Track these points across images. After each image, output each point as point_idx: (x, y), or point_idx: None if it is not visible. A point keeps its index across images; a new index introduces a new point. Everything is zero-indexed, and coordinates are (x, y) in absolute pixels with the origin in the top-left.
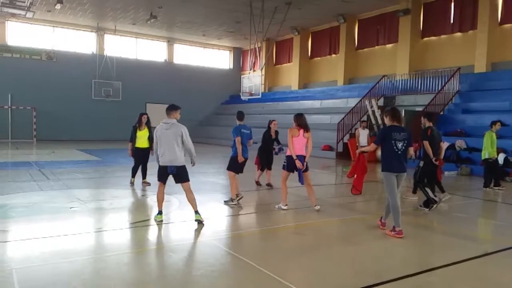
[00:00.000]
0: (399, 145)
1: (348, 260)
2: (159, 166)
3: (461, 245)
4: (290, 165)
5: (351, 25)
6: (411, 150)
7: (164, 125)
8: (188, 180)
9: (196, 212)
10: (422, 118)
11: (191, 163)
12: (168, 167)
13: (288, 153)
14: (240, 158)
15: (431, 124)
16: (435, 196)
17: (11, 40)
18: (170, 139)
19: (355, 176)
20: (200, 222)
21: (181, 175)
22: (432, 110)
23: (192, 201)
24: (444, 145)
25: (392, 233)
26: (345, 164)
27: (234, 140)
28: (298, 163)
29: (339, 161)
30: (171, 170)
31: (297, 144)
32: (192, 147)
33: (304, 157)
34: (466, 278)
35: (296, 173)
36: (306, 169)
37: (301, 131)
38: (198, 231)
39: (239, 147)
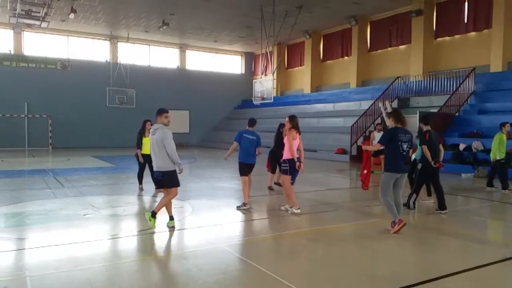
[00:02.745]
0: (404, 146)
1: (363, 265)
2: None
3: (479, 249)
4: (292, 168)
5: (363, 27)
6: (410, 152)
7: (152, 131)
8: (176, 186)
9: (153, 213)
10: (419, 123)
11: (178, 170)
12: (155, 172)
13: (288, 157)
14: (225, 157)
15: (429, 128)
16: (414, 204)
17: (27, 50)
18: (154, 144)
19: (365, 171)
20: (151, 222)
21: (166, 180)
22: (427, 112)
23: (162, 204)
24: (461, 146)
25: (395, 227)
26: (359, 168)
27: (241, 145)
28: (298, 165)
29: (353, 165)
30: (157, 175)
31: (295, 146)
32: (174, 153)
33: (299, 159)
34: (485, 284)
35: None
36: None
37: (297, 133)
38: (210, 237)
39: (229, 151)
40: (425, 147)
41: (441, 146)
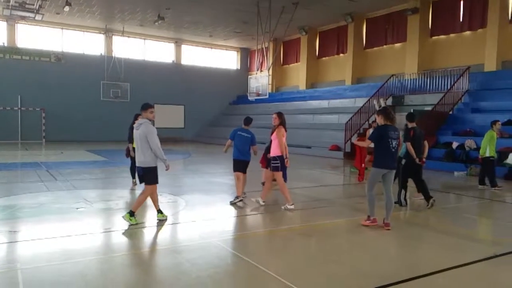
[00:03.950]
0: (394, 143)
1: (354, 261)
2: None
3: (470, 246)
4: (283, 165)
5: (359, 24)
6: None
7: (136, 126)
8: (151, 184)
9: (131, 213)
10: (406, 121)
11: (164, 166)
12: (137, 167)
13: (278, 153)
14: (224, 150)
15: (414, 125)
16: (405, 200)
17: (20, 43)
18: (137, 139)
19: (363, 165)
20: (130, 224)
21: (144, 176)
22: (411, 110)
23: (138, 202)
24: (454, 144)
25: (367, 221)
26: (352, 164)
27: (235, 142)
28: (286, 161)
29: (346, 161)
30: (139, 171)
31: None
32: (158, 148)
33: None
34: (475, 280)
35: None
36: None
37: (285, 130)
38: (203, 232)
39: (225, 147)
40: (409, 144)
41: (425, 142)
